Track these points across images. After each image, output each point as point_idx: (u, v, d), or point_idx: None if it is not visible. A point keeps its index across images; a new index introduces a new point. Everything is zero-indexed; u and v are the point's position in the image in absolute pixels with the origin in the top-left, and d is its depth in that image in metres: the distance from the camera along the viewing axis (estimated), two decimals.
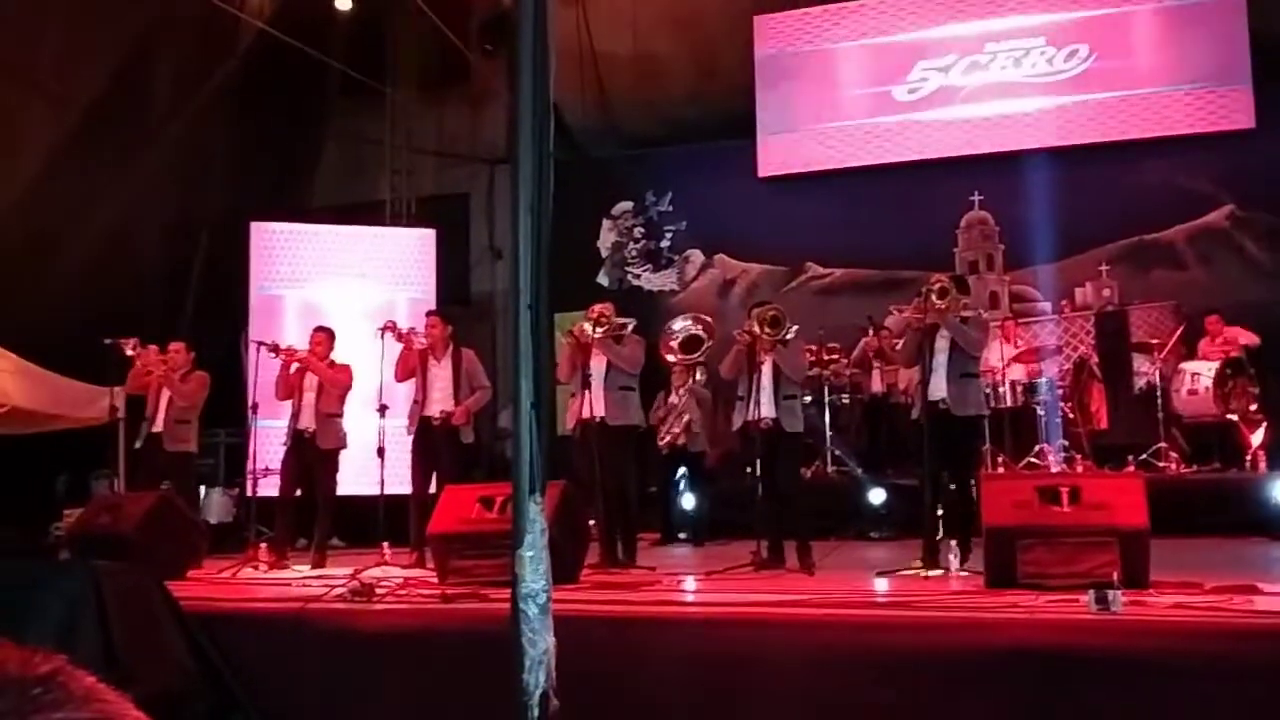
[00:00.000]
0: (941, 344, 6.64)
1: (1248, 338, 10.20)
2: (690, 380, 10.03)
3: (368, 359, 8.42)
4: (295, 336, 9.17)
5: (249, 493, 9.09)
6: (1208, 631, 4.02)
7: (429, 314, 8.56)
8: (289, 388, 8.24)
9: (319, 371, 8.22)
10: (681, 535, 9.87)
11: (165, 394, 8.58)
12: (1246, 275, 11.46)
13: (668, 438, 9.91)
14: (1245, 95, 11.40)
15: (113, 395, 9.31)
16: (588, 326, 7.46)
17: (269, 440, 8.91)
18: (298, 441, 8.16)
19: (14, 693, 0.61)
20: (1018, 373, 10.48)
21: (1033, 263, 12.02)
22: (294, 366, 8.26)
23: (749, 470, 7.20)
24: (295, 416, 8.20)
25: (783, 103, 13.01)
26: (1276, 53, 11.07)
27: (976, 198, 12.33)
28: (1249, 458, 9.59)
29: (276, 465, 8.51)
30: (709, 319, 8.49)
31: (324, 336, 8.39)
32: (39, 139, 10.46)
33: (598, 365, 7.50)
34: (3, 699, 0.61)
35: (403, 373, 8.12)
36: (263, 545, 8.09)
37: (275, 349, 8.38)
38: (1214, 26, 11.58)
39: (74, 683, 0.64)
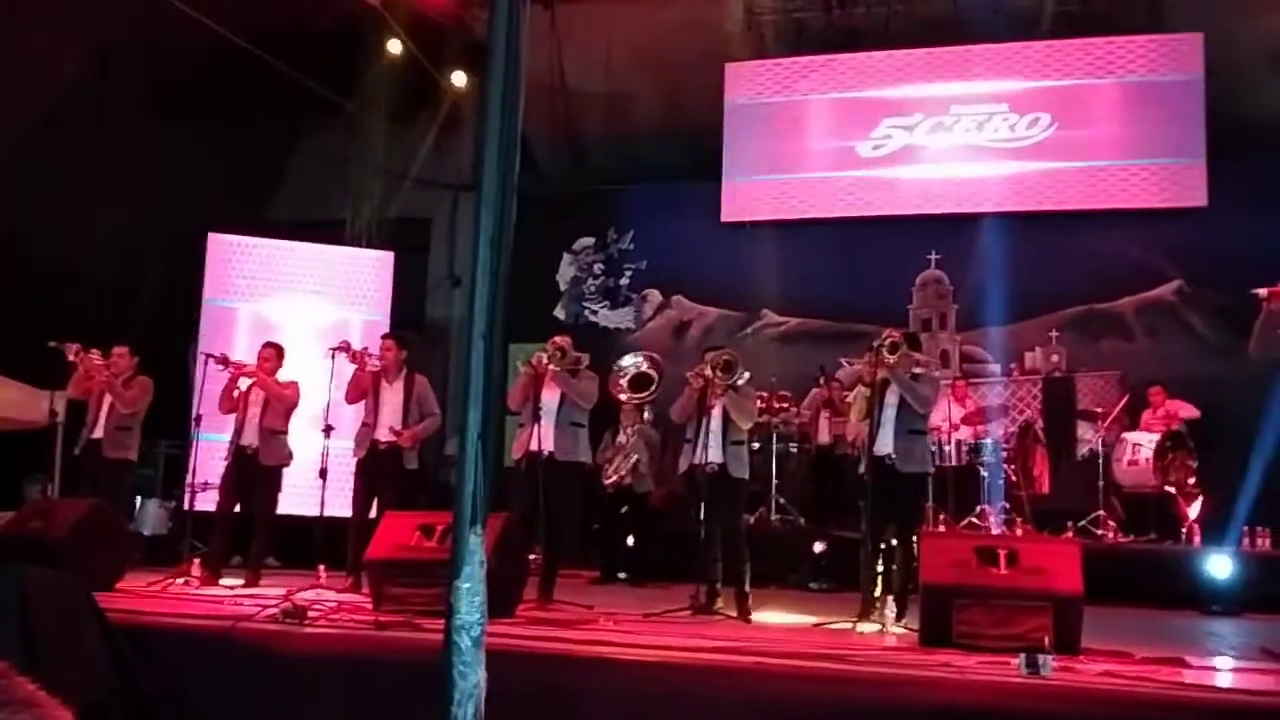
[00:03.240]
0: (891, 399, 6.68)
1: (1188, 411, 10.35)
2: (639, 420, 10.02)
3: (316, 378, 8.35)
4: (245, 350, 9.07)
5: (186, 506, 8.94)
6: (1134, 701, 4.06)
7: (384, 336, 8.50)
8: (233, 402, 8.15)
9: (266, 387, 8.13)
10: (622, 575, 9.81)
11: (107, 400, 8.36)
12: (1192, 350, 11.66)
13: (614, 477, 9.88)
14: (1199, 173, 11.62)
15: (53, 399, 9.16)
16: (545, 358, 7.44)
17: (211, 454, 8.78)
18: (239, 457, 8.06)
19: None
20: (964, 432, 10.58)
21: (985, 324, 12.16)
22: (241, 381, 8.17)
23: (693, 514, 7.19)
24: (238, 432, 8.09)
25: (749, 150, 13.12)
26: (1231, 133, 11.30)
27: (933, 256, 12.49)
28: (1185, 530, 9.73)
29: (216, 480, 8.38)
30: (658, 356, 8.39)
31: (272, 353, 8.31)
32: None
33: (550, 399, 7.46)
34: None
35: (354, 394, 8.06)
36: (196, 560, 7.95)
37: (224, 362, 8.29)
38: (1172, 104, 11.82)
39: (17, 687, 0.66)
